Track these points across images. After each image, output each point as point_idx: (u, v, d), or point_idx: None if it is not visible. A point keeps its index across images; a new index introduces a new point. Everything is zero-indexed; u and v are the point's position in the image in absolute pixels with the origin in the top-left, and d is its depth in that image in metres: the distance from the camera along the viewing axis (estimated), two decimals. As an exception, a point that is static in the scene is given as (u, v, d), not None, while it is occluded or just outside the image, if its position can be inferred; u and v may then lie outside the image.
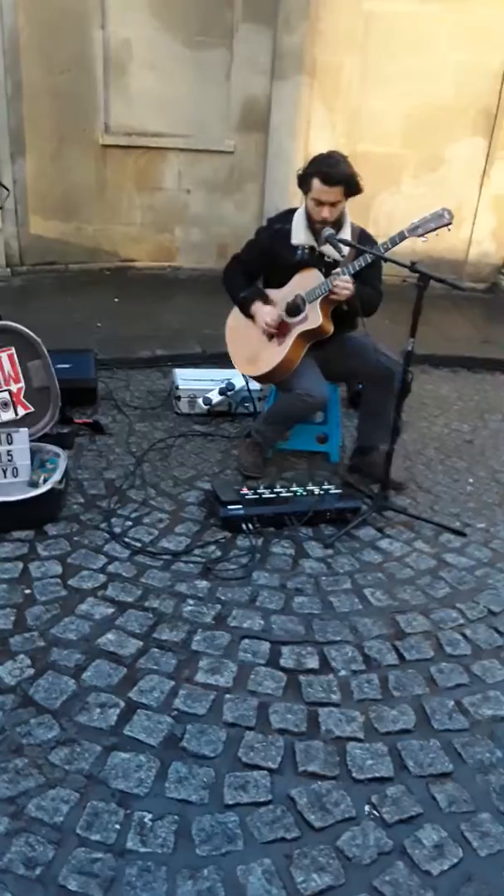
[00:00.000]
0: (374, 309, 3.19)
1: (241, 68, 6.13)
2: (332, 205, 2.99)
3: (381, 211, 6.28)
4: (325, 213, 2.99)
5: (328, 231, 2.96)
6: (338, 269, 2.99)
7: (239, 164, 6.48)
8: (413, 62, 6.09)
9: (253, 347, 3.28)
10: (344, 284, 2.96)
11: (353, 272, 2.99)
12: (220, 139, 6.35)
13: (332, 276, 3.00)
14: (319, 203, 2.99)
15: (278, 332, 3.19)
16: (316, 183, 2.95)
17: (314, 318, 3.07)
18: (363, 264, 2.99)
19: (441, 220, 2.80)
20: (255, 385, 4.05)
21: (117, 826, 1.71)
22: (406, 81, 6.15)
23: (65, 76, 5.81)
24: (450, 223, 2.80)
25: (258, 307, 3.22)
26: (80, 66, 5.88)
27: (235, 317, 3.39)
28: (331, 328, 3.12)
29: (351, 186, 2.98)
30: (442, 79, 6.20)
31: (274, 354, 3.18)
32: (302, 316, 3.12)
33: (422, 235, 2.83)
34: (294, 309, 3.14)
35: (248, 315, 3.27)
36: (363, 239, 3.15)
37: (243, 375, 3.74)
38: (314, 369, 3.21)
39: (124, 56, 5.97)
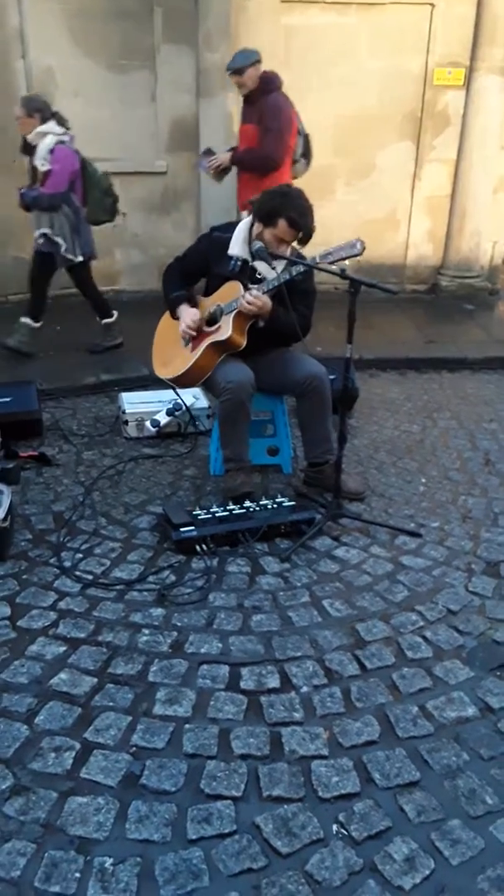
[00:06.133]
0: (302, 332, 3.17)
1: (166, 89, 6.13)
2: (289, 242, 3.08)
3: (317, 220, 6.30)
4: (284, 248, 3.07)
5: (257, 244, 2.97)
6: (256, 286, 3.02)
7: (173, 183, 6.46)
8: (336, 72, 6.17)
9: (170, 350, 3.33)
10: (252, 300, 3.00)
11: (267, 289, 3.03)
12: (151, 160, 6.33)
13: (247, 292, 3.02)
14: (282, 241, 3.05)
15: (195, 339, 3.21)
16: (283, 224, 3.00)
17: (225, 329, 3.10)
18: (283, 280, 3.03)
19: (352, 250, 2.86)
20: (202, 403, 4.03)
21: (77, 874, 1.64)
22: (331, 92, 6.21)
23: (-11, 107, 5.73)
24: (360, 254, 2.86)
25: (184, 309, 3.27)
26: (4, 97, 5.79)
27: (165, 320, 3.44)
28: (241, 342, 3.12)
29: (308, 238, 3.08)
30: (366, 87, 6.28)
31: (185, 360, 3.22)
32: (216, 326, 3.15)
33: (332, 263, 2.89)
34: (212, 319, 3.19)
35: (175, 316, 3.31)
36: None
37: (174, 389, 3.66)
38: (236, 361, 3.17)
39: (48, 84, 5.91)
